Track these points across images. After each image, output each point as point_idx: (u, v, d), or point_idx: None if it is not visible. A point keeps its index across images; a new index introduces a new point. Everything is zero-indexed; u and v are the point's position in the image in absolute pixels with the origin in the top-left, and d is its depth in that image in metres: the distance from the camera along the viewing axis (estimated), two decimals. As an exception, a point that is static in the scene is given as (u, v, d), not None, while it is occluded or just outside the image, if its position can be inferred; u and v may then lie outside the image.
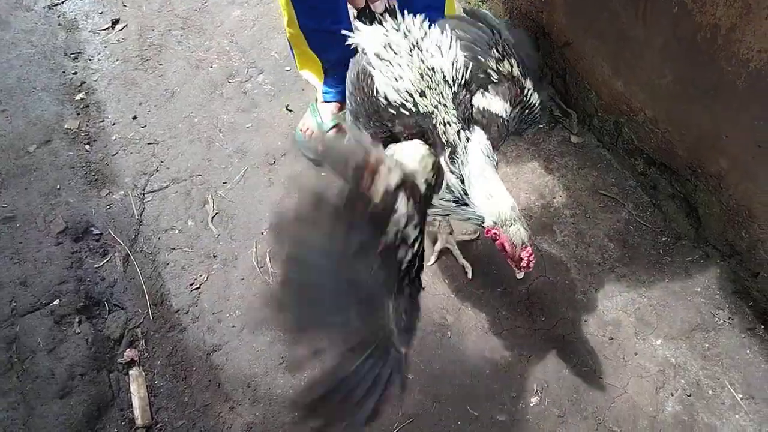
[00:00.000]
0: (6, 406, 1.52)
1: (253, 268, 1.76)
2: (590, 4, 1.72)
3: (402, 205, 0.98)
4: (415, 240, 1.00)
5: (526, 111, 1.29)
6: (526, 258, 1.10)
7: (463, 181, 1.14)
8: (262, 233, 1.84)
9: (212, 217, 1.89)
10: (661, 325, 1.54)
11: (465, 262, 1.66)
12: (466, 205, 1.16)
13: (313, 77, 1.95)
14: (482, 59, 1.26)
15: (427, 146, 1.16)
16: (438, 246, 1.69)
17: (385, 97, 1.19)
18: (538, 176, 1.88)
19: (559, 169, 1.89)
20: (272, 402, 1.51)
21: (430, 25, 1.26)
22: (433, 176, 1.13)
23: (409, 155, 1.14)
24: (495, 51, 1.28)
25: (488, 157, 1.14)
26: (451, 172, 1.15)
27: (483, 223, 1.14)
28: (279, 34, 2.37)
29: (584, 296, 1.61)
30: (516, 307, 1.61)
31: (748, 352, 1.48)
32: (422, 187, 1.10)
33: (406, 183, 1.02)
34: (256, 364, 1.58)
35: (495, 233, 1.12)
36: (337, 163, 0.97)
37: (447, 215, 1.27)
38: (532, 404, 1.46)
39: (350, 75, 1.32)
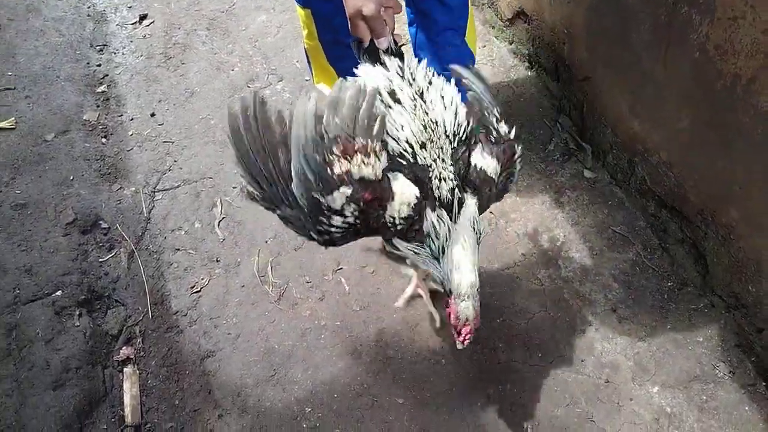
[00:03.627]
0: (1, 392, 1.54)
1: (254, 276, 1.77)
2: (611, 41, 1.71)
3: (346, 188, 1.05)
4: (340, 216, 1.08)
5: (509, 178, 1.27)
6: (464, 334, 1.18)
7: (439, 238, 1.16)
8: (266, 242, 1.84)
9: (219, 222, 1.90)
10: (659, 372, 1.52)
11: (434, 310, 1.62)
12: (437, 260, 1.19)
13: (329, 91, 1.95)
14: (486, 115, 1.24)
15: (419, 195, 1.13)
16: (409, 291, 1.65)
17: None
18: (548, 208, 1.87)
19: (570, 202, 1.88)
20: (260, 414, 1.51)
21: (435, 73, 1.24)
22: (406, 213, 1.13)
23: (399, 189, 1.12)
24: (496, 110, 1.26)
25: (474, 228, 1.18)
26: (434, 227, 1.15)
27: (443, 284, 1.20)
28: (301, 43, 2.38)
29: (583, 335, 1.59)
30: (514, 341, 1.59)
31: (747, 408, 1.45)
32: (396, 215, 1.12)
33: (372, 183, 1.07)
34: (248, 374, 1.58)
35: (447, 301, 1.19)
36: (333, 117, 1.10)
37: (417, 261, 1.27)
38: (520, 441, 1.44)
39: None
